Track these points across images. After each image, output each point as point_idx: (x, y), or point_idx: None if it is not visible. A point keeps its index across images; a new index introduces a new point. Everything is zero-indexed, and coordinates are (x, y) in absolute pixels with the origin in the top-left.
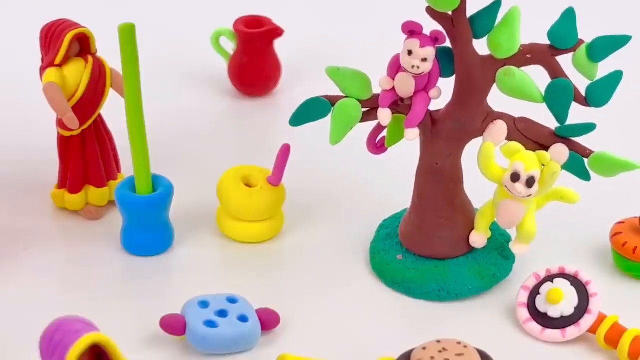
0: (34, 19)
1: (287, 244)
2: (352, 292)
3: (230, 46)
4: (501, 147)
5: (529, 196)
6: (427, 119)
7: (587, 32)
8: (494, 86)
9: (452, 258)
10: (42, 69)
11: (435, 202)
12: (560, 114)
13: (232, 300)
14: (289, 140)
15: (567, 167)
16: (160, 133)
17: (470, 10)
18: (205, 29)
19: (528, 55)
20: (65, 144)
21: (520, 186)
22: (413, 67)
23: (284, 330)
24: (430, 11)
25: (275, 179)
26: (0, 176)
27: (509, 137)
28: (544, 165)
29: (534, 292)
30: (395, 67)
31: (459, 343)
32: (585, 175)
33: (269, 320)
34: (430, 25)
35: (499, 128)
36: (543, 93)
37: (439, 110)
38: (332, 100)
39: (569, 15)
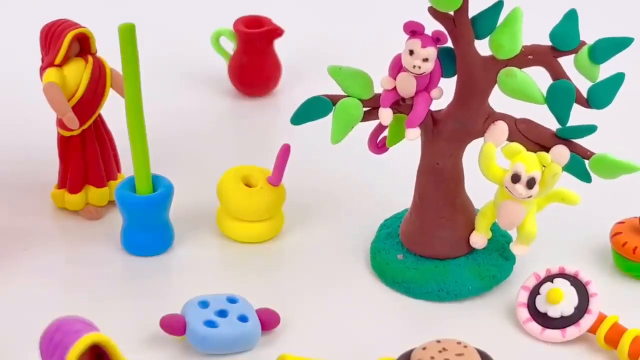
0: (34, 19)
1: (287, 244)
2: (352, 292)
3: (230, 46)
4: (502, 148)
5: (529, 197)
6: (429, 119)
7: (589, 33)
8: (496, 87)
9: (453, 258)
10: (42, 69)
11: (436, 202)
12: (561, 115)
13: (232, 300)
14: (289, 140)
15: (567, 168)
16: (160, 133)
17: (472, 11)
18: (205, 29)
19: (530, 56)
20: (65, 144)
21: (520, 187)
22: (414, 67)
23: (284, 330)
24: (432, 11)
25: (275, 179)
26: (0, 176)
27: (510, 138)
28: (544, 166)
29: (534, 292)
30: (396, 67)
31: (459, 343)
32: (586, 177)
33: (269, 320)
34: (432, 26)
35: (500, 129)
36: (544, 94)
37: (440, 111)
38: (334, 100)
39: (571, 17)
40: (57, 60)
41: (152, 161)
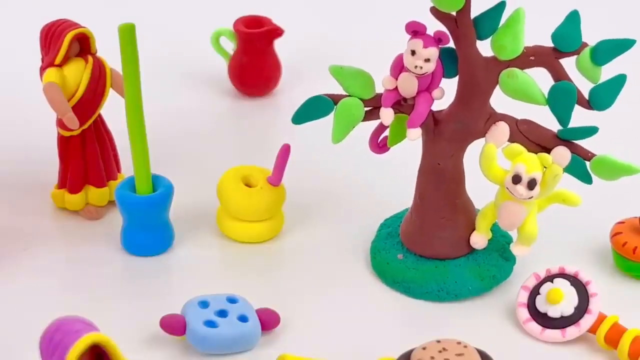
0: (34, 19)
1: (287, 244)
2: (352, 292)
3: (230, 46)
4: (503, 148)
5: (530, 198)
6: (430, 119)
7: (591, 35)
8: (497, 88)
9: (453, 258)
10: (42, 69)
11: (437, 203)
12: (562, 116)
13: (232, 300)
14: (289, 140)
15: (568, 169)
16: (160, 133)
17: (475, 11)
18: (205, 29)
19: (532, 57)
20: (65, 144)
21: (521, 188)
22: (416, 67)
23: (284, 330)
24: (435, 11)
25: (275, 179)
26: (0, 176)
27: (511, 139)
28: (545, 167)
29: (534, 292)
30: (398, 67)
31: (459, 343)
32: (587, 178)
33: (269, 320)
34: (434, 26)
35: (501, 130)
36: (546, 95)
37: (441, 111)
38: (335, 99)
39: (573, 18)
40: (57, 60)
41: (152, 161)
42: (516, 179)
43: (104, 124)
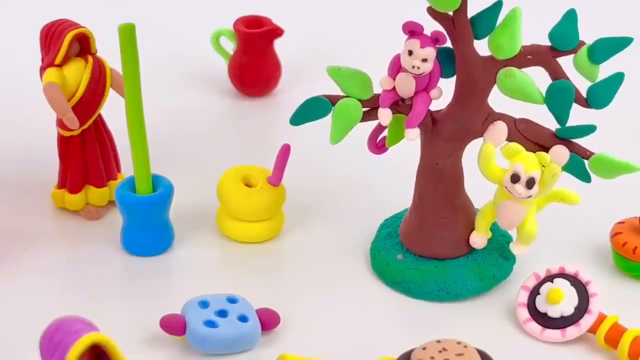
0: (34, 19)
1: (287, 244)
2: (352, 292)
3: (230, 46)
4: (501, 148)
5: (528, 197)
6: (428, 119)
7: (588, 33)
8: (495, 87)
9: (452, 258)
10: (42, 69)
11: (436, 202)
12: (560, 115)
13: (232, 300)
14: (289, 140)
15: (567, 168)
16: (160, 133)
17: (472, 11)
18: (205, 29)
19: (529, 56)
20: (65, 144)
21: (520, 187)
22: (413, 67)
23: (284, 330)
24: (432, 11)
25: (275, 179)
26: (0, 176)
27: (510, 138)
28: (544, 166)
29: (534, 292)
30: (395, 67)
31: (459, 343)
32: (585, 177)
33: (269, 320)
34: (431, 26)
35: (499, 129)
36: (543, 94)
37: (439, 111)
38: (333, 100)
39: (570, 17)
40: (57, 60)
41: (152, 161)
42: (515, 178)
43: (104, 124)
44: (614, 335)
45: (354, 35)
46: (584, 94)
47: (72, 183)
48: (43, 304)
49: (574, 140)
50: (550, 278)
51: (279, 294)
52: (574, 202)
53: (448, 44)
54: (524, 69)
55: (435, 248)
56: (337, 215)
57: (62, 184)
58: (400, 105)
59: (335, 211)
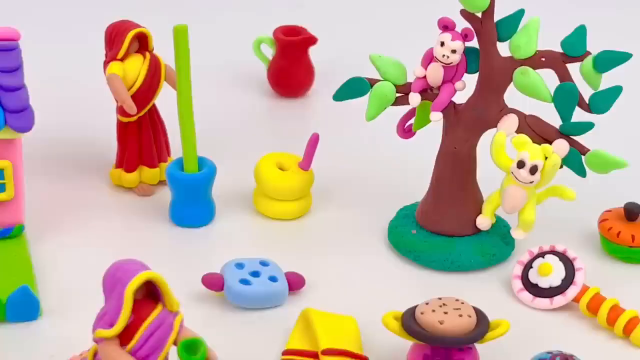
0: (101, 19)
1: (314, 221)
2: (368, 260)
3: (269, 52)
4: (512, 138)
5: (531, 183)
6: (451, 108)
7: (596, 47)
8: (511, 85)
9: (460, 236)
10: (106, 63)
11: (450, 184)
12: (565, 114)
13: (264, 263)
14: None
15: (566, 162)
16: (207, 123)
17: (497, 16)
18: (249, 36)
19: (543, 58)
20: (123, 129)
21: (524, 172)
22: (443, 56)
23: (308, 291)
24: (464, 12)
25: (305, 164)
26: (67, 157)
27: (519, 130)
28: (547, 157)
29: (527, 266)
30: (428, 58)
31: (457, 300)
32: (582, 172)
33: (296, 282)
34: (462, 26)
35: (512, 120)
36: (552, 94)
37: (461, 103)
38: (372, 82)
39: (580, 30)
40: (119, 55)
41: (198, 147)
42: (520, 164)
43: (158, 113)
44: (595, 304)
45: (379, 48)
46: (586, 100)
47: (128, 163)
48: (102, 265)
49: (575, 138)
50: (542, 254)
51: (305, 261)
52: (570, 197)
53: (474, 44)
54: (537, 70)
55: (445, 225)
56: (359, 199)
57: (119, 164)
58: (428, 93)
59: (358, 194)
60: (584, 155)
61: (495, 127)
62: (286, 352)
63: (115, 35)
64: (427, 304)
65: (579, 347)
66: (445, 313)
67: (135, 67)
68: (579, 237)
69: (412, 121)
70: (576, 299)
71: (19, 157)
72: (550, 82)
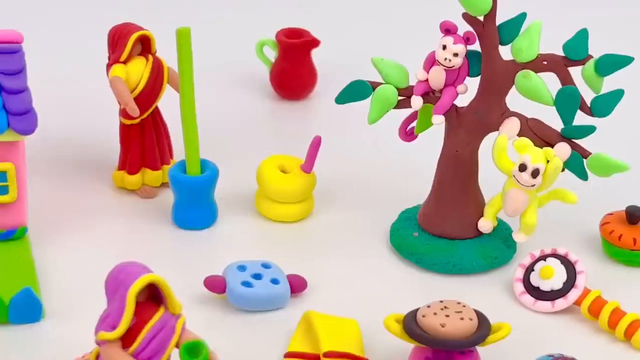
0: (103, 21)
1: (315, 223)
2: (371, 264)
3: (272, 54)
4: (514, 141)
5: (532, 186)
6: (453, 111)
7: (598, 52)
8: (512, 88)
9: (462, 239)
10: (109, 65)
11: (452, 187)
12: (566, 117)
13: (266, 265)
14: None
15: (568, 165)
16: (209, 125)
17: (499, 19)
18: (251, 38)
19: (544, 62)
20: (126, 132)
21: (526, 175)
22: (445, 59)
23: (310, 293)
24: (466, 16)
25: (307, 167)
26: (70, 159)
27: (521, 134)
28: (548, 160)
29: (529, 269)
30: (430, 62)
31: (458, 303)
32: (583, 175)
33: (297, 284)
34: (464, 29)
35: (513, 123)
36: (553, 97)
37: (463, 107)
38: (374, 85)
39: (582, 34)
40: (122, 58)
41: (200, 149)
42: (522, 167)
43: (160, 115)
44: (596, 307)
45: (382, 51)
46: (588, 103)
47: (130, 165)
48: (104, 267)
49: (576, 141)
50: (543, 257)
51: (307, 263)
52: (571, 201)
53: (476, 47)
54: (539, 74)
55: (447, 228)
56: (361, 201)
57: (122, 166)
58: (430, 96)
59: (360, 197)
60: (585, 158)
61: (497, 130)
62: (288, 355)
63: (118, 38)
64: (428, 306)
65: (580, 350)
66: (447, 316)
67: (138, 70)
68: (581, 240)
69: (414, 124)
70: (577, 302)
71: (21, 160)
72: (552, 86)
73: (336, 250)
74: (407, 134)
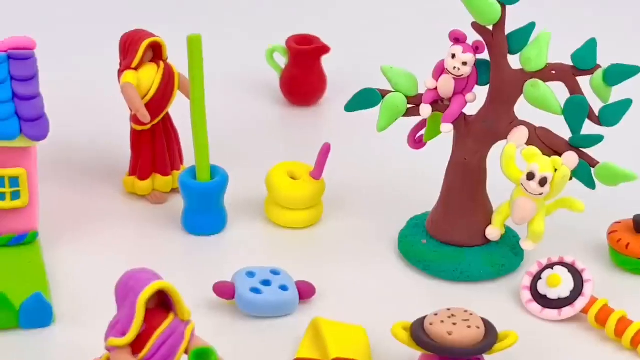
0: (116, 29)
1: (324, 230)
2: (379, 271)
3: (282, 61)
4: (522, 150)
5: (540, 194)
6: (461, 119)
7: (606, 61)
8: (521, 97)
9: (470, 247)
10: (120, 72)
11: (461, 195)
12: (574, 126)
13: (275, 272)
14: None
15: (576, 174)
16: (220, 131)
17: (508, 29)
18: (261, 44)
19: (553, 71)
20: (137, 137)
21: (534, 184)
22: (454, 68)
23: (319, 300)
24: (475, 25)
25: (317, 174)
26: (81, 164)
27: (529, 142)
28: (556, 169)
29: (536, 277)
30: (439, 71)
31: (465, 311)
32: (591, 184)
33: (306, 291)
34: (473, 39)
35: (522, 132)
36: (562, 106)
37: (472, 115)
38: (383, 93)
39: (591, 43)
40: (134, 64)
41: (211, 155)
42: (530, 176)
43: (171, 121)
44: (603, 316)
45: (392, 59)
46: (596, 112)
47: (141, 171)
48: (114, 272)
49: (584, 150)
50: (550, 265)
51: (315, 270)
52: (579, 209)
53: (485, 56)
54: (547, 83)
55: (455, 236)
56: (370, 208)
57: (132, 172)
58: (439, 105)
59: (368, 204)
60: (593, 167)
61: (506, 138)
62: None
63: (129, 45)
64: (436, 314)
65: (587, 358)
66: (454, 324)
67: (149, 76)
68: (588, 249)
69: (422, 132)
70: (584, 311)
71: (33, 165)
72: (561, 95)
73: (344, 257)
74: (416, 142)
